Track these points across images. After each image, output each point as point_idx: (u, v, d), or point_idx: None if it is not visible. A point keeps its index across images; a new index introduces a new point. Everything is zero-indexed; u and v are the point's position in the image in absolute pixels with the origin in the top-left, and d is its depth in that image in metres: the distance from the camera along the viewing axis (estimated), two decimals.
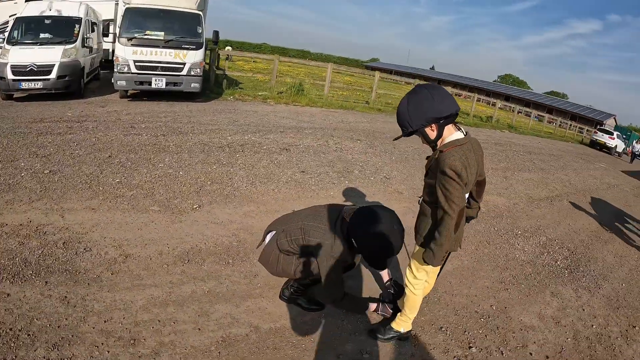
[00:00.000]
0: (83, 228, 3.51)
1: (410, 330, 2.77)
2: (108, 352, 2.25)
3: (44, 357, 2.15)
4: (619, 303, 4.09)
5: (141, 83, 9.53)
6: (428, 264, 2.33)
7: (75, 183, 4.37)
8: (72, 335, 2.32)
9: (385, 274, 3.09)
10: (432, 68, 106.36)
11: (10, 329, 2.28)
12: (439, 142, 2.26)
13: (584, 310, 3.82)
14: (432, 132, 2.23)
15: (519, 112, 29.05)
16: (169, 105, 9.45)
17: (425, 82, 2.88)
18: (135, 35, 9.49)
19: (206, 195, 4.46)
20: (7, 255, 2.95)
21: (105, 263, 3.06)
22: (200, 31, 10.20)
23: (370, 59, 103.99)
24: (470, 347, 2.90)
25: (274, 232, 2.79)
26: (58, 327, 2.37)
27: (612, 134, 29.20)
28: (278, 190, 4.70)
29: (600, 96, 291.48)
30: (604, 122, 55.59)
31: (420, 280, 2.55)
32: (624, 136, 33.83)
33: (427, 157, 2.39)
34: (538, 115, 35.02)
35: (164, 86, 9.68)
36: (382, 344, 2.70)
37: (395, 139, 2.45)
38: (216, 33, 11.49)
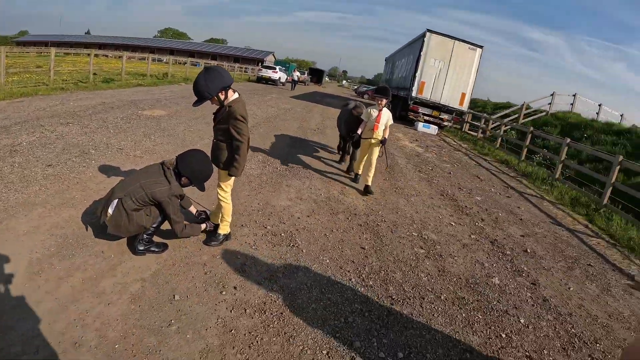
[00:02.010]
0: None
1: (230, 232, 4.09)
2: None
3: None
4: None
5: None
6: (232, 177, 3.71)
7: None
8: None
9: (193, 209, 4.25)
10: (88, 32, 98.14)
11: None
12: (225, 101, 3.50)
13: (310, 189, 6.04)
14: (222, 96, 3.43)
15: (184, 63, 31.19)
16: None
17: (211, 65, 4.05)
18: None
19: None
20: None
21: None
22: None
23: (18, 33, 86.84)
24: (265, 227, 4.52)
25: (116, 200, 3.40)
26: None
27: (275, 68, 35.45)
28: (45, 188, 4.77)
29: (257, 37, 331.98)
30: (265, 59, 65.08)
31: (228, 193, 3.85)
32: (284, 68, 41.50)
33: (214, 113, 3.65)
34: (199, 63, 37.98)
35: None
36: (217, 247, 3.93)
37: (196, 105, 3.46)
38: None
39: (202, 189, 3.73)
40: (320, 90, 40.99)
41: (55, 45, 56.37)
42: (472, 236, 5.60)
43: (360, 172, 6.95)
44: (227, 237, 4.02)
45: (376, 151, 6.42)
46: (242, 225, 4.51)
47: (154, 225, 3.56)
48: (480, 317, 3.61)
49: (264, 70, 35.26)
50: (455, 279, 4.24)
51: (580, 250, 5.93)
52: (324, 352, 2.79)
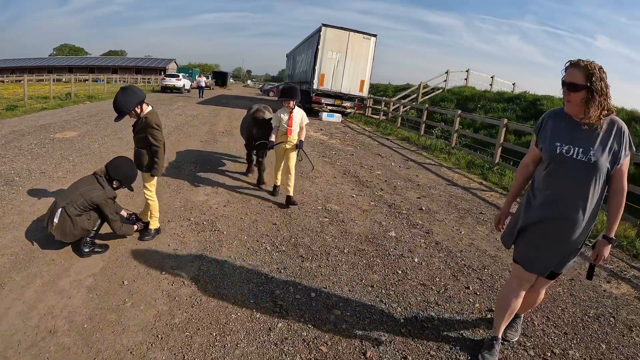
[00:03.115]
0: None
1: (159, 226, 4.54)
2: None
3: None
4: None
5: None
6: (155, 178, 4.25)
7: None
8: None
9: (123, 212, 4.55)
10: None
11: None
12: (141, 114, 4.02)
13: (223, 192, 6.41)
14: (138, 110, 3.98)
15: (85, 80, 29.84)
16: None
17: (126, 85, 4.40)
18: None
19: None
20: None
21: None
22: None
23: None
24: (189, 219, 4.86)
25: (60, 209, 3.76)
26: None
27: (178, 75, 34.85)
28: None
29: (157, 45, 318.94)
30: (167, 68, 63.10)
31: (153, 192, 4.33)
32: (187, 75, 40.78)
33: (133, 125, 4.19)
34: (100, 79, 36.71)
35: None
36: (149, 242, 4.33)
37: (117, 120, 3.94)
38: None
39: (131, 189, 4.29)
40: (226, 93, 41.04)
41: None
42: (372, 203, 6.40)
43: (278, 183, 6.27)
44: (157, 231, 4.50)
45: (293, 156, 5.85)
46: (168, 220, 4.94)
47: (95, 229, 3.99)
48: (379, 261, 4.36)
49: (167, 79, 34.49)
50: (356, 237, 4.98)
51: (473, 203, 6.96)
52: (251, 300, 3.41)
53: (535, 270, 2.65)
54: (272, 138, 5.78)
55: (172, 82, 33.52)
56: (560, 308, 3.73)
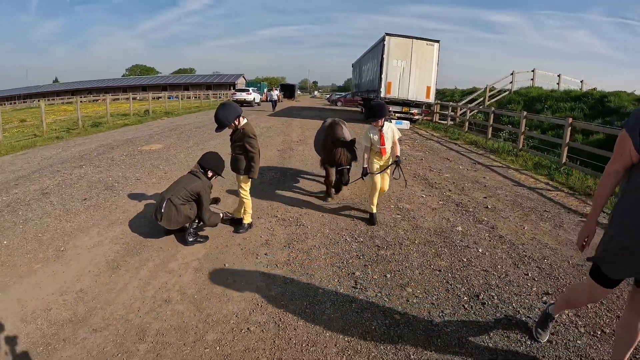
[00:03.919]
0: None
1: (252, 221, 5.43)
2: None
3: None
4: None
5: None
6: (249, 180, 5.13)
7: None
8: None
9: (220, 212, 5.45)
10: (56, 80, 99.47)
11: None
12: (239, 126, 4.92)
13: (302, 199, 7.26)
14: (237, 122, 4.88)
15: (159, 98, 32.41)
16: None
17: (225, 101, 5.40)
18: None
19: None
20: None
21: None
22: None
23: None
24: (276, 216, 5.70)
25: (166, 200, 4.69)
26: None
27: (248, 90, 36.98)
28: (91, 215, 5.66)
29: (223, 60, 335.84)
30: (236, 82, 66.27)
31: (247, 191, 5.22)
32: (256, 88, 42.97)
33: (230, 135, 5.07)
34: (173, 96, 39.52)
35: None
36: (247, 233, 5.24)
37: (218, 131, 4.89)
38: None
39: (222, 176, 5.33)
40: (295, 105, 42.62)
41: (27, 97, 57.18)
42: (440, 202, 6.94)
43: (375, 210, 5.74)
44: (250, 225, 5.38)
45: (387, 178, 5.76)
46: (258, 217, 5.84)
47: (196, 221, 4.87)
48: (446, 250, 4.94)
49: (237, 93, 36.72)
50: (425, 231, 5.58)
51: (538, 202, 7.24)
52: (335, 280, 4.14)
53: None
54: (365, 164, 5.56)
55: (242, 96, 35.64)
56: (615, 295, 4.00)
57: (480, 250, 4.95)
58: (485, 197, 7.32)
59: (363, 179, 5.67)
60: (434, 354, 3.04)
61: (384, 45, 18.52)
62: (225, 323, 3.38)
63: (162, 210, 4.68)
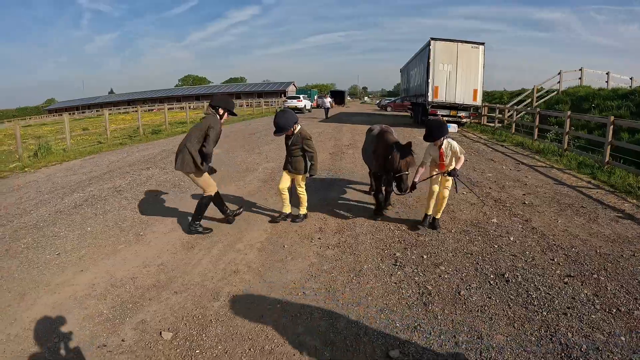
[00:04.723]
0: None
1: (307, 213, 6.24)
2: None
3: None
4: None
5: None
6: (305, 178, 5.91)
7: None
8: None
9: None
10: (112, 91, 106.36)
11: None
12: (296, 130, 5.64)
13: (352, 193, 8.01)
14: (295, 127, 5.64)
15: None
16: None
17: (283, 109, 6.17)
18: None
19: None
20: None
21: None
22: None
23: (46, 102, 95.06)
24: (329, 210, 6.46)
25: (185, 145, 5.20)
26: None
27: (299, 97, 38.14)
28: (165, 206, 6.66)
29: (273, 69, 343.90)
30: (287, 90, 67.94)
31: (303, 188, 6.02)
32: (307, 95, 44.22)
33: (286, 139, 5.76)
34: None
35: None
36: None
37: (277, 135, 5.63)
38: None
39: (234, 113, 5.75)
40: (345, 111, 43.62)
41: (85, 107, 61.04)
42: (480, 198, 7.38)
43: (430, 212, 5.82)
44: (305, 216, 6.18)
45: (449, 184, 5.58)
46: (313, 210, 6.60)
47: (198, 218, 5.57)
48: (480, 238, 5.51)
49: (289, 100, 38.09)
50: (462, 222, 6.17)
51: (577, 199, 7.54)
52: (378, 259, 4.87)
53: None
54: (416, 178, 5.56)
55: (293, 103, 36.78)
56: (637, 280, 4.35)
57: (511, 239, 5.44)
58: (524, 194, 7.69)
59: (411, 191, 5.60)
60: (458, 316, 3.66)
61: (429, 49, 18.94)
62: (284, 288, 4.16)
63: (179, 156, 5.28)
